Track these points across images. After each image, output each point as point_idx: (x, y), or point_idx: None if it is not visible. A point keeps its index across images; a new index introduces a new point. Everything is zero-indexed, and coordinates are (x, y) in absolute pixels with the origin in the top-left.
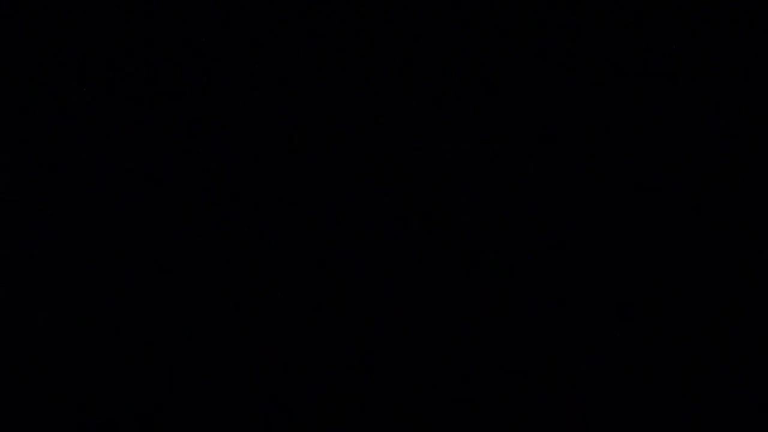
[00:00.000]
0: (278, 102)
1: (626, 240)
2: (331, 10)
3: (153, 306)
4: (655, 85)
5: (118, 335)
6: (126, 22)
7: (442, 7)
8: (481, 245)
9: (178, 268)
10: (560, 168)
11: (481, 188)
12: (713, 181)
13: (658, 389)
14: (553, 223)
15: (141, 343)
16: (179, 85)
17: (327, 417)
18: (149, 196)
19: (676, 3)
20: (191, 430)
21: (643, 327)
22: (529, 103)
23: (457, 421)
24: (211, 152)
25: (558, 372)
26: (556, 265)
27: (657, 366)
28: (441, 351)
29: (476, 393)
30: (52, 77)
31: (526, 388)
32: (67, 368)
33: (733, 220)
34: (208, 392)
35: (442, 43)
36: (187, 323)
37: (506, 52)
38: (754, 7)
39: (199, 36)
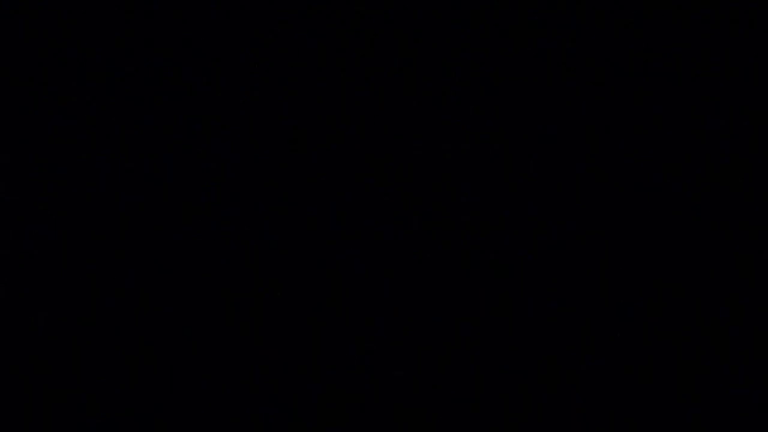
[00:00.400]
0: (278, 102)
1: (626, 240)
2: (331, 10)
3: (153, 306)
4: (655, 85)
5: (118, 335)
6: (126, 22)
7: (442, 7)
8: (481, 245)
9: (178, 268)
10: (560, 168)
11: (481, 188)
12: (713, 181)
13: (658, 389)
14: (553, 223)
15: (141, 343)
16: (179, 85)
17: (327, 417)
18: (149, 196)
19: (676, 3)
20: (191, 430)
21: (643, 327)
22: (529, 103)
23: (457, 421)
24: (211, 152)
25: (558, 372)
26: (556, 265)
27: (657, 366)
28: (441, 351)
29: (476, 393)
30: (52, 77)
31: (526, 388)
32: (67, 368)
33: (733, 220)
34: (208, 392)
35: (442, 43)
36: (187, 323)
37: (506, 52)
38: (754, 7)
39: (199, 36)
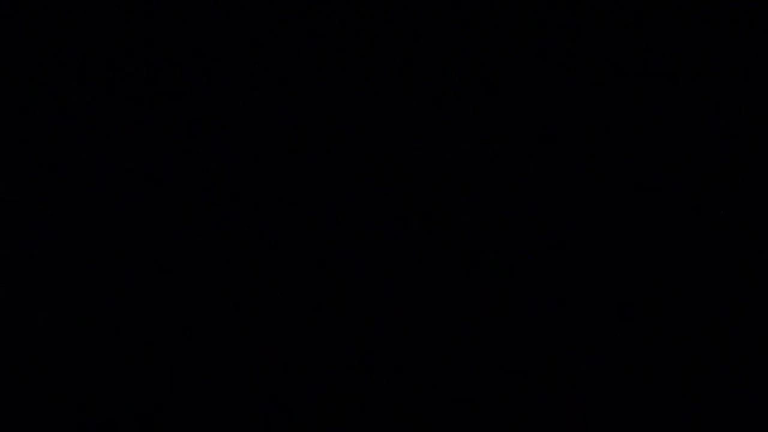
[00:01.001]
0: (278, 102)
1: (626, 240)
2: (331, 10)
3: (153, 306)
4: (655, 85)
5: (118, 335)
6: (126, 22)
7: (442, 7)
8: (481, 245)
9: (178, 268)
10: (560, 168)
11: (481, 188)
12: (713, 181)
13: (658, 389)
14: (553, 223)
15: (141, 343)
16: (179, 85)
17: (327, 417)
18: (149, 196)
19: (676, 3)
20: (191, 430)
21: (643, 327)
22: (529, 103)
23: (457, 421)
24: (211, 152)
25: (558, 372)
26: (556, 265)
27: (657, 366)
28: (441, 351)
29: (476, 393)
30: (52, 77)
31: (526, 388)
32: (67, 368)
33: (733, 220)
34: (208, 392)
35: (442, 43)
36: (187, 323)
37: (506, 52)
38: (754, 7)
39: (199, 36)
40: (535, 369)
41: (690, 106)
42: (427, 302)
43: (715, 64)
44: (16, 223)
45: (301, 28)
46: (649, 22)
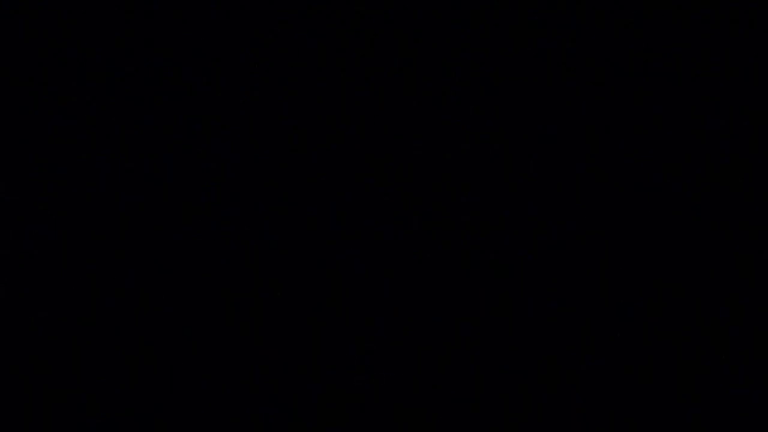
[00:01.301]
0: (278, 102)
1: (626, 240)
2: (331, 10)
3: (153, 306)
4: (655, 85)
5: (118, 335)
6: (126, 22)
7: (442, 7)
8: (481, 245)
9: (178, 268)
10: (560, 168)
11: (481, 188)
12: (713, 181)
13: (658, 389)
14: (553, 223)
15: (141, 343)
16: (179, 85)
17: (327, 417)
18: (149, 196)
19: (676, 3)
20: (191, 430)
21: (643, 327)
22: (529, 103)
23: (457, 421)
24: (211, 152)
25: (558, 372)
26: (556, 265)
27: (657, 366)
28: (441, 351)
29: (476, 393)
30: (52, 77)
31: (526, 388)
32: (67, 368)
33: (733, 220)
34: (208, 392)
35: (442, 43)
36: (187, 323)
37: (506, 52)
38: (754, 7)
39: (199, 36)
40: (535, 369)
41: (690, 106)
42: (427, 302)
43: (715, 64)
44: (16, 223)
45: (301, 28)
46: (649, 22)
